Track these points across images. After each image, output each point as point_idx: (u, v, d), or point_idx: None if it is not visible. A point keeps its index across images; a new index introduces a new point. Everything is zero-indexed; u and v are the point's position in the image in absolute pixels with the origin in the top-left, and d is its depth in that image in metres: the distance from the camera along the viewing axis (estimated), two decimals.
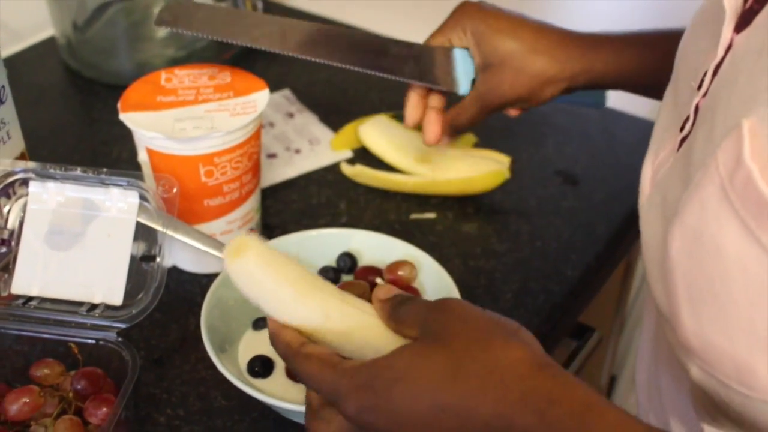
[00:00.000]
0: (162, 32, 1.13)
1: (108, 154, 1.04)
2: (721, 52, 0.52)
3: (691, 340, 0.50)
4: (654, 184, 0.59)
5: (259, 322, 0.77)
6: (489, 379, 0.49)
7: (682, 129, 0.56)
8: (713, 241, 0.47)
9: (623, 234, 0.96)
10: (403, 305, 0.57)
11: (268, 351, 0.74)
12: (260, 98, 0.81)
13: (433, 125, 0.85)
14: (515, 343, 0.51)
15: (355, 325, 0.58)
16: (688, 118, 0.55)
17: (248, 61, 1.17)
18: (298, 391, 0.71)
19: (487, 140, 1.06)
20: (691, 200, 0.48)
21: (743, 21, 0.50)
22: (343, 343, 0.58)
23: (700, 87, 0.54)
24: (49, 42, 1.24)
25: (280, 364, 0.73)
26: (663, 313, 0.54)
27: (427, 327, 0.54)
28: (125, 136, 1.03)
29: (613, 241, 0.94)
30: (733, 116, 0.47)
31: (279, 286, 0.58)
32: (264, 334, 0.76)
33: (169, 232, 0.74)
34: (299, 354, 0.57)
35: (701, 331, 0.49)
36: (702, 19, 0.58)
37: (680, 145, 0.56)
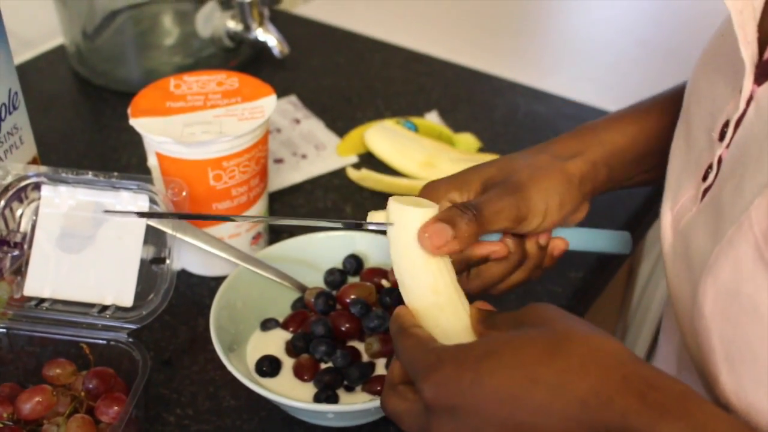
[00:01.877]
0: (169, 40, 1.14)
1: (117, 160, 1.05)
2: (743, 105, 0.52)
3: (731, 400, 0.50)
4: (676, 231, 0.59)
5: (267, 323, 0.78)
6: (590, 358, 0.49)
7: (704, 179, 0.56)
8: (750, 301, 0.46)
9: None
10: (497, 315, 0.57)
11: (276, 351, 0.76)
12: (268, 103, 0.83)
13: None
14: (614, 339, 0.51)
15: (450, 310, 0.59)
16: (710, 168, 0.55)
17: (255, 68, 1.19)
18: (305, 389, 0.73)
19: (491, 144, 1.07)
20: (724, 258, 0.48)
21: (762, 72, 0.51)
22: (436, 331, 0.58)
23: (722, 138, 0.54)
24: (59, 50, 1.25)
25: (287, 364, 0.75)
26: (696, 367, 0.54)
27: (521, 323, 0.54)
28: (134, 142, 1.05)
29: None
30: (764, 172, 0.47)
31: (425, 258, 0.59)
32: (271, 335, 0.77)
33: (179, 235, 0.75)
34: (405, 331, 0.57)
35: (742, 392, 0.49)
36: (714, 63, 0.58)
37: (703, 195, 0.56)
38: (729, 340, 0.49)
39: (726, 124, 0.54)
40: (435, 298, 0.59)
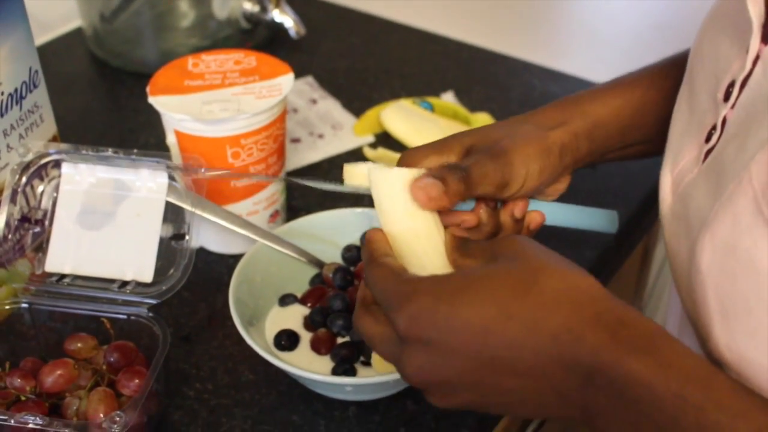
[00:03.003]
0: (186, 22, 1.15)
1: (135, 140, 1.06)
2: (749, 65, 0.52)
3: (724, 354, 0.50)
4: (676, 193, 0.59)
5: (286, 299, 0.79)
6: (563, 295, 0.50)
7: (707, 140, 0.56)
8: (747, 255, 0.47)
9: (641, 216, 0.97)
10: (473, 243, 0.58)
11: (294, 326, 0.76)
12: (285, 81, 0.83)
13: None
14: (588, 274, 0.52)
15: (426, 241, 0.59)
16: (713, 129, 0.55)
17: (271, 49, 1.19)
18: (322, 363, 0.73)
19: None
20: (723, 213, 0.48)
21: None
22: (411, 259, 0.59)
23: (726, 99, 0.54)
24: (77, 33, 1.26)
25: (305, 338, 0.76)
26: (692, 323, 0.54)
27: (496, 254, 0.55)
28: (152, 122, 1.06)
29: (630, 222, 0.95)
30: (766, 129, 0.47)
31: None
32: (290, 310, 0.78)
33: (198, 211, 0.76)
34: (376, 260, 0.57)
35: (735, 346, 0.49)
36: (719, 23, 0.58)
37: (705, 156, 0.56)
38: (724, 293, 0.49)
39: (731, 85, 0.54)
40: (411, 224, 0.59)
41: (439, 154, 0.67)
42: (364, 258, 0.59)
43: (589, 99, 0.74)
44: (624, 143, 0.74)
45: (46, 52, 1.21)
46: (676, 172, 0.59)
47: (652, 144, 0.74)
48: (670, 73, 0.73)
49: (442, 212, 0.65)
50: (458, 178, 0.62)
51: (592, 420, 0.49)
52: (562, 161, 0.70)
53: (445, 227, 0.64)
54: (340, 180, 0.68)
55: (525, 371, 0.50)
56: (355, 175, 0.65)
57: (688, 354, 0.47)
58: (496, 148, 0.67)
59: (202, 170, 0.76)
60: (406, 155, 0.67)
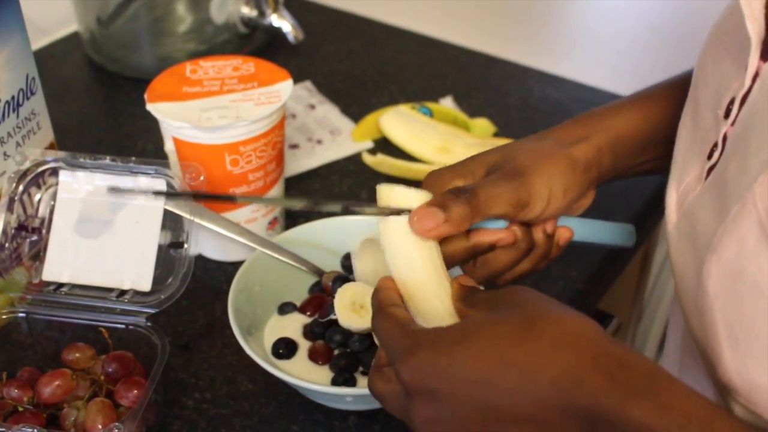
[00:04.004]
0: (183, 26, 1.14)
1: (132, 146, 1.06)
2: (748, 82, 0.52)
3: (733, 380, 0.50)
4: (681, 211, 0.58)
5: (284, 307, 0.78)
6: (561, 340, 0.49)
7: (709, 157, 0.55)
8: (754, 279, 0.46)
9: (642, 221, 0.97)
10: (477, 292, 0.57)
11: (292, 334, 0.76)
12: (284, 88, 0.83)
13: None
14: (587, 319, 0.51)
15: (432, 292, 0.59)
16: (715, 146, 0.55)
17: (269, 54, 1.18)
18: (321, 372, 0.73)
19: (505, 129, 1.07)
20: (728, 236, 0.48)
21: None
22: (419, 311, 0.59)
23: (727, 116, 0.54)
24: (73, 37, 1.26)
25: (303, 346, 0.75)
26: (699, 347, 0.54)
27: (498, 304, 0.54)
28: (149, 128, 1.05)
29: None
30: (767, 149, 0.47)
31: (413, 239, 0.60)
32: (289, 319, 0.78)
33: (196, 219, 0.75)
34: (384, 311, 0.57)
35: (744, 371, 0.49)
36: (722, 41, 0.58)
37: (708, 173, 0.55)
38: (732, 318, 0.49)
39: (731, 102, 0.53)
40: (419, 277, 0.59)
41: (462, 177, 0.66)
42: (373, 307, 0.59)
43: (609, 113, 0.73)
44: (646, 157, 0.74)
45: (42, 56, 1.21)
46: (681, 189, 0.59)
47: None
48: (687, 86, 0.73)
49: (476, 232, 0.66)
50: (462, 202, 0.61)
51: None
52: (587, 177, 0.70)
53: (483, 247, 0.65)
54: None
55: (527, 419, 0.49)
56: (391, 198, 0.62)
57: (689, 394, 0.46)
58: (512, 166, 0.66)
59: (200, 191, 0.76)
60: (429, 180, 0.66)
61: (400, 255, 0.60)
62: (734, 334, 0.49)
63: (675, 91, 0.73)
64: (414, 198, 0.61)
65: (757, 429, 0.45)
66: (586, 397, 0.47)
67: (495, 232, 0.67)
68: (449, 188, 0.64)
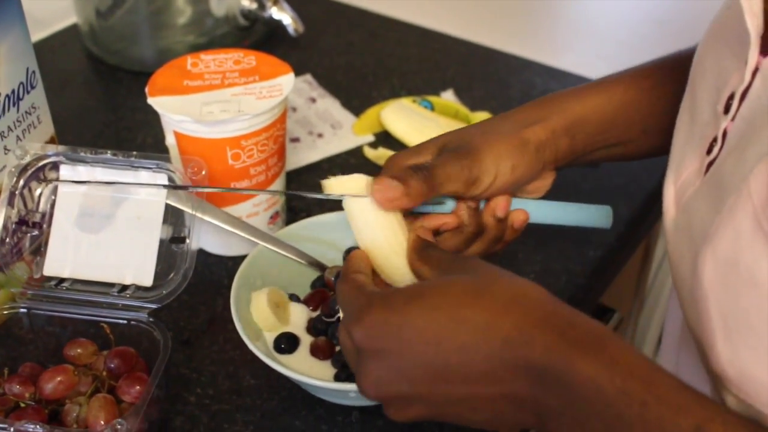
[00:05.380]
0: (183, 19, 1.14)
1: (132, 139, 1.05)
2: (748, 77, 0.52)
3: (726, 369, 0.50)
4: (679, 206, 0.59)
5: None
6: (513, 301, 0.51)
7: (709, 152, 0.55)
8: (748, 271, 0.47)
9: (643, 215, 0.96)
10: (433, 249, 0.60)
11: (294, 329, 0.76)
12: (286, 82, 0.82)
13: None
14: (537, 285, 0.53)
15: (393, 252, 0.64)
16: (714, 141, 0.55)
17: (269, 47, 1.18)
18: (324, 367, 0.73)
19: None
20: (723, 228, 0.48)
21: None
22: (386, 271, 0.64)
23: (727, 111, 0.54)
24: (72, 29, 1.25)
25: (304, 341, 0.75)
26: (694, 337, 0.54)
27: (449, 269, 0.57)
28: (149, 121, 1.05)
29: (633, 222, 0.94)
30: (764, 142, 0.47)
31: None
32: (291, 314, 0.77)
33: (198, 214, 0.75)
34: (345, 276, 0.60)
35: (737, 361, 0.49)
36: (721, 36, 0.58)
37: (707, 168, 0.55)
38: (726, 309, 0.49)
39: (731, 97, 0.54)
40: (379, 235, 0.64)
41: (417, 156, 0.68)
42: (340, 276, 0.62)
43: (568, 97, 0.75)
44: (607, 142, 0.75)
45: (41, 49, 1.20)
46: (679, 183, 0.59)
47: (636, 144, 0.75)
48: (652, 74, 0.75)
49: (423, 217, 0.69)
50: (419, 178, 0.64)
51: (544, 424, 0.50)
52: (539, 157, 0.71)
53: (434, 234, 0.67)
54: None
55: (477, 378, 0.51)
56: (333, 188, 0.67)
57: (633, 352, 0.48)
58: (464, 146, 0.68)
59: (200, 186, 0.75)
60: (388, 162, 0.69)
61: (364, 226, 0.65)
62: (728, 324, 0.49)
63: (638, 76, 0.75)
64: (358, 179, 0.65)
65: (691, 386, 0.47)
66: (536, 352, 0.49)
67: (440, 216, 0.69)
68: (409, 165, 0.67)
